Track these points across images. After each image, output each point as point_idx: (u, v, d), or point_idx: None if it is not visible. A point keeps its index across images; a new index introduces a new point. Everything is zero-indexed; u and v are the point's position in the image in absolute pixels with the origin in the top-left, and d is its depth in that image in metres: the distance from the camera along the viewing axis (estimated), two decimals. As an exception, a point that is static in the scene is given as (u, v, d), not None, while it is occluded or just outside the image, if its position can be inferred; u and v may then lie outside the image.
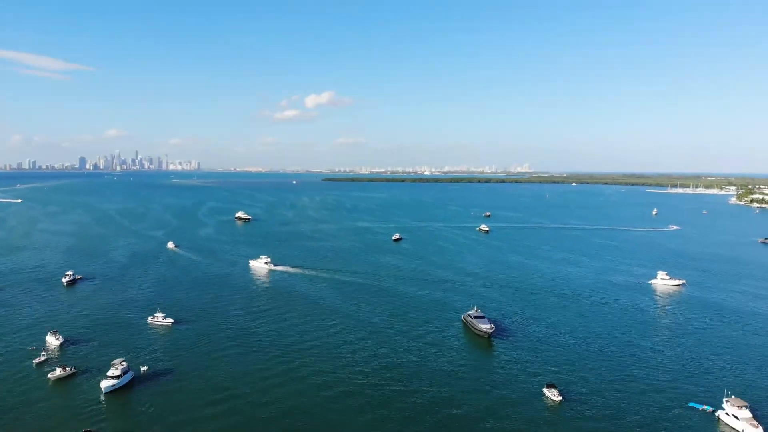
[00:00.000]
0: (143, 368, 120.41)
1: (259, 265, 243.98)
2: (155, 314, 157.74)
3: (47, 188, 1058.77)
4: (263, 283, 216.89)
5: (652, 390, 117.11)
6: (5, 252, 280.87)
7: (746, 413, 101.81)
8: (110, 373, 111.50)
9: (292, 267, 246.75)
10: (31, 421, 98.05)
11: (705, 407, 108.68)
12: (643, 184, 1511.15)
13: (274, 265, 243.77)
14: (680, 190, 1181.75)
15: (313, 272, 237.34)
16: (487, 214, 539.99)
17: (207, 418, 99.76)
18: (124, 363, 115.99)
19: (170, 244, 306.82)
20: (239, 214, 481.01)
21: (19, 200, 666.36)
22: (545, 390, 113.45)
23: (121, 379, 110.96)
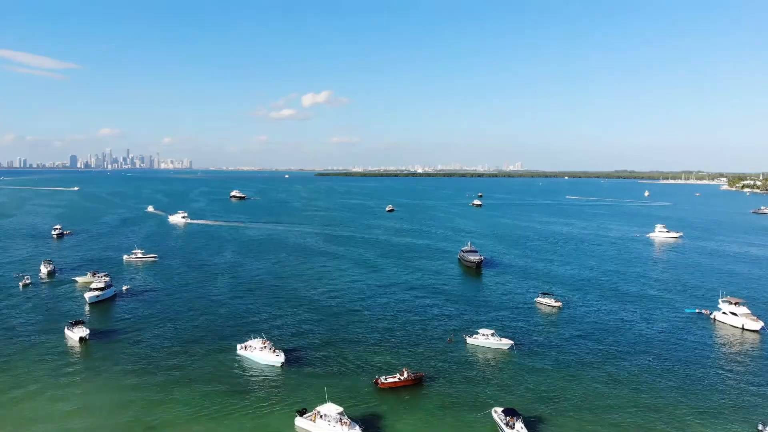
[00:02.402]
0: (125, 287, 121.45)
1: (177, 219, 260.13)
2: (133, 251, 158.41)
3: (37, 179, 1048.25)
4: (253, 236, 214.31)
5: (647, 300, 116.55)
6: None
7: (744, 309, 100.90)
8: (94, 285, 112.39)
9: (283, 225, 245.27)
10: (25, 314, 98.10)
11: (702, 310, 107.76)
12: (635, 178, 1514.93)
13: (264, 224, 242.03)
14: (672, 182, 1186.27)
15: (307, 228, 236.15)
16: (480, 194, 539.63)
17: (187, 318, 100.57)
18: (107, 278, 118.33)
19: (150, 208, 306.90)
20: (234, 192, 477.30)
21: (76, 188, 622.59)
22: (540, 299, 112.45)
23: (104, 291, 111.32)
